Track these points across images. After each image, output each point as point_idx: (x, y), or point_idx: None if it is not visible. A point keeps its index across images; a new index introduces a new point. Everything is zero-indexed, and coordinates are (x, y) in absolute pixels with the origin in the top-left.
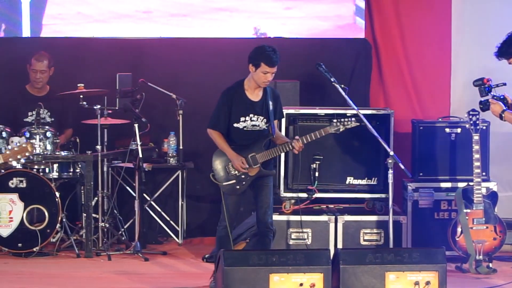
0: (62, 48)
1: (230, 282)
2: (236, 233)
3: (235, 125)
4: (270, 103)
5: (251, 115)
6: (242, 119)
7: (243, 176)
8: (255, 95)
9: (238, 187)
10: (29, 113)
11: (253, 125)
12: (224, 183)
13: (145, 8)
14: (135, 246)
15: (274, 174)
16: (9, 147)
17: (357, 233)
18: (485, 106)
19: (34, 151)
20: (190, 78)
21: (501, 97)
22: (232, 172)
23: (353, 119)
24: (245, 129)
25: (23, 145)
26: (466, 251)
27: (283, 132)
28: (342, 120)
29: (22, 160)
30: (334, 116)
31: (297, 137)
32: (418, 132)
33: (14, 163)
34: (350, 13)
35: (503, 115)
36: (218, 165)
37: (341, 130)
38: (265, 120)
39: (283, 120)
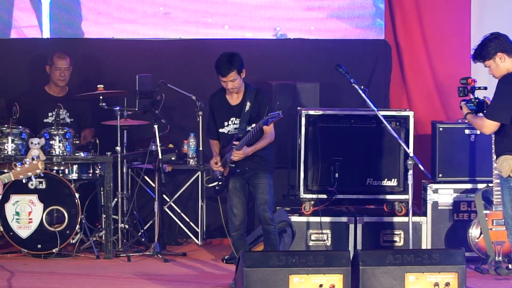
0: (82, 49)
1: (250, 283)
2: (255, 235)
3: (220, 130)
4: (248, 104)
5: (232, 119)
6: (225, 123)
7: (220, 177)
8: (234, 99)
9: (217, 187)
10: (49, 114)
11: (235, 129)
12: (209, 185)
13: (164, 10)
14: (155, 247)
15: (245, 173)
16: (20, 164)
17: (376, 234)
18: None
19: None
20: (210, 79)
21: (481, 100)
22: (215, 174)
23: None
24: (229, 133)
25: (34, 163)
26: (486, 252)
27: (303, 132)
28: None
29: (33, 178)
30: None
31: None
32: (437, 133)
33: (24, 180)
34: (370, 14)
35: (466, 117)
36: (211, 169)
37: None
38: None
39: (303, 121)
